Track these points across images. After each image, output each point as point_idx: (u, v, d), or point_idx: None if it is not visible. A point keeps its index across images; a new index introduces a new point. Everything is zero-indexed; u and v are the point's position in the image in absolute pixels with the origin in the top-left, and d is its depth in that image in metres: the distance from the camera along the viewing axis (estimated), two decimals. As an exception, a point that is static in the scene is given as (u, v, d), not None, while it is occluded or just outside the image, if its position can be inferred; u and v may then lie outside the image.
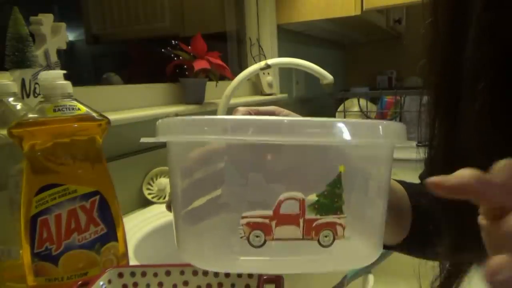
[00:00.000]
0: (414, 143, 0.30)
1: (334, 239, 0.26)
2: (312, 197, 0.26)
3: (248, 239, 0.26)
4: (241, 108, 0.39)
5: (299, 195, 0.26)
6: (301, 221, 0.26)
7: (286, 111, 0.40)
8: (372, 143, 0.27)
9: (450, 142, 0.37)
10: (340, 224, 0.26)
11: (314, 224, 0.26)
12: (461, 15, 0.34)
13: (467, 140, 0.34)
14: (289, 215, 0.26)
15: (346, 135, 0.25)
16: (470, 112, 0.33)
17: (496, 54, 0.32)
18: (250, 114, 0.39)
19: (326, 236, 0.26)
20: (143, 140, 0.30)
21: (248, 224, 0.26)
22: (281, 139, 0.25)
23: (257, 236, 0.26)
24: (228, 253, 0.27)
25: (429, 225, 0.41)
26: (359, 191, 0.28)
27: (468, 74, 0.34)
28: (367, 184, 0.29)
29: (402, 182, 0.52)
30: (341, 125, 0.25)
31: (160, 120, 0.29)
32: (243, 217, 0.26)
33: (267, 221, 0.26)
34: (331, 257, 0.27)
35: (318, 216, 0.26)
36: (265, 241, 0.26)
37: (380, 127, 0.27)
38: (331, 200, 0.26)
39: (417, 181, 0.56)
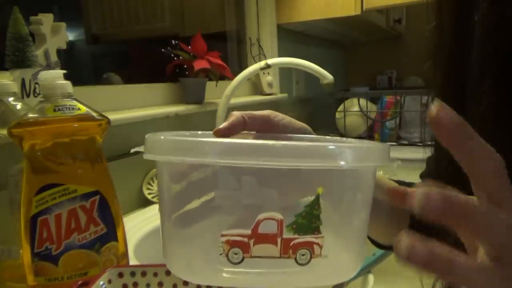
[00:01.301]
0: (395, 164, 0.30)
1: (311, 258, 0.27)
2: (290, 218, 0.27)
3: (227, 256, 0.27)
4: (235, 113, 0.39)
5: (278, 215, 0.27)
6: (278, 240, 0.27)
7: (281, 115, 0.40)
8: (355, 167, 0.28)
9: None
10: (317, 243, 0.27)
11: (291, 243, 0.27)
12: (466, 16, 0.34)
13: None
14: (267, 234, 0.27)
15: (330, 159, 0.26)
16: (475, 112, 0.33)
17: (501, 54, 0.32)
18: (244, 119, 0.38)
19: (303, 255, 0.27)
20: (134, 150, 0.30)
21: (227, 242, 0.27)
22: (266, 163, 0.25)
23: (235, 254, 0.27)
24: (214, 263, 0.28)
25: (427, 225, 0.40)
26: (338, 210, 0.29)
27: (473, 74, 0.34)
28: (346, 204, 0.29)
29: (400, 182, 0.52)
30: (326, 149, 0.26)
31: (148, 135, 0.29)
32: (222, 235, 0.27)
33: (245, 239, 0.27)
34: (310, 274, 0.28)
35: (296, 236, 0.27)
36: (243, 258, 0.27)
37: (365, 149, 0.27)
38: (309, 221, 0.27)
39: (418, 180, 0.56)
